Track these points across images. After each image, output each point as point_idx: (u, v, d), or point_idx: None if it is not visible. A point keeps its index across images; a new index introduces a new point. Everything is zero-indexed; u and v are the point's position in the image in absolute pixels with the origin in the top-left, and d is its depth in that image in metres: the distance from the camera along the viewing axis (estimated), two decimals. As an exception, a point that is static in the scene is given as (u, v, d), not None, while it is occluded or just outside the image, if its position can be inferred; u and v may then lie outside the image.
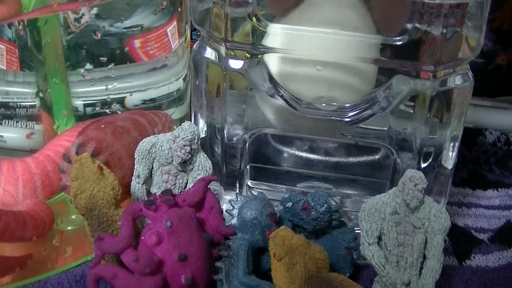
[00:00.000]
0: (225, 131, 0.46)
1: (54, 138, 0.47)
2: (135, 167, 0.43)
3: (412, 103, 0.42)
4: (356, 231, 0.42)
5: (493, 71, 0.71)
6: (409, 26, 0.39)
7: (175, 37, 0.52)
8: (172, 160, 0.43)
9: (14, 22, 0.45)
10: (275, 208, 0.43)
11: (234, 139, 0.46)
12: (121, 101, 0.51)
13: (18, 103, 0.49)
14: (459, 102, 0.42)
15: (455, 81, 0.41)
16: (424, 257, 0.39)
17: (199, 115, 0.47)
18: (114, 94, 0.50)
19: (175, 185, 0.43)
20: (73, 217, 0.47)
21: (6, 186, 0.43)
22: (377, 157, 0.47)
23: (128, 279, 0.35)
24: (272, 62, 0.43)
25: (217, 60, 0.44)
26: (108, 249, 0.36)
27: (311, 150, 0.47)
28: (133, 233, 0.37)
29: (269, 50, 0.42)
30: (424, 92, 0.41)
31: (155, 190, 0.43)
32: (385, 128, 0.44)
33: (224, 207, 0.43)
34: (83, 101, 0.50)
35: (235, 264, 0.39)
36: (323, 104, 0.42)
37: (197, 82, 0.46)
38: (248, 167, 0.47)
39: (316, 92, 0.42)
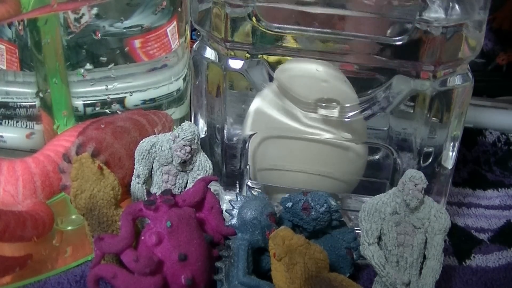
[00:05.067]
0: (225, 131, 0.46)
1: (54, 138, 0.47)
2: (135, 167, 0.43)
3: (412, 103, 0.42)
4: (356, 231, 0.42)
5: (493, 71, 0.71)
6: (409, 26, 0.39)
7: (175, 37, 0.52)
8: (172, 160, 0.43)
9: (14, 22, 0.45)
10: (275, 208, 0.43)
11: (234, 139, 0.46)
12: (121, 101, 0.51)
13: (18, 103, 0.49)
14: (459, 102, 0.42)
15: (455, 81, 0.41)
16: (424, 257, 0.39)
17: (199, 115, 0.47)
18: (114, 94, 0.50)
19: (175, 185, 0.43)
20: (73, 217, 0.47)
21: (6, 186, 0.43)
22: (377, 157, 0.47)
23: (128, 279, 0.35)
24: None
25: (217, 60, 0.44)
26: (108, 249, 0.36)
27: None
28: (133, 233, 0.37)
29: (269, 50, 0.42)
30: (424, 92, 0.41)
31: (155, 190, 0.43)
32: (385, 128, 0.44)
33: (224, 207, 0.43)
34: (83, 101, 0.49)
35: (235, 264, 0.39)
36: (323, 105, 0.42)
37: (197, 82, 0.46)
38: (248, 167, 0.47)
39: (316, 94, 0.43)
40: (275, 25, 0.41)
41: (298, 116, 0.44)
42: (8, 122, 0.50)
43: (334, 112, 0.43)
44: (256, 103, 0.44)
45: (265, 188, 0.47)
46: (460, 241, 0.48)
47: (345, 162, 0.45)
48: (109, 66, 0.49)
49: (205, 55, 0.44)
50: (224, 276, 0.39)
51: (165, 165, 0.43)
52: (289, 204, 0.42)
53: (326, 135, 0.43)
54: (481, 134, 0.59)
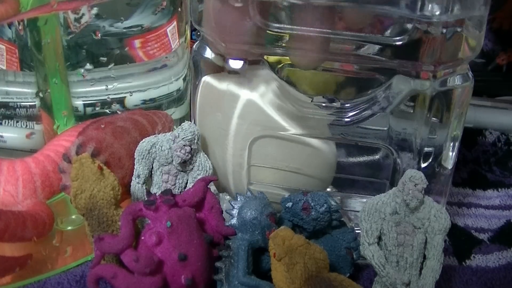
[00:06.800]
0: (225, 131, 0.46)
1: (54, 138, 0.47)
2: (135, 167, 0.43)
3: (412, 103, 0.42)
4: (356, 231, 0.42)
5: (493, 71, 0.71)
6: (409, 26, 0.39)
7: (175, 37, 0.52)
8: (172, 160, 0.43)
9: (14, 22, 0.45)
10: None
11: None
12: (121, 101, 0.51)
13: (18, 103, 0.49)
14: (459, 102, 0.42)
15: (455, 81, 0.41)
16: (424, 257, 0.39)
17: (199, 115, 0.47)
18: (114, 94, 0.50)
19: (175, 185, 0.43)
20: (73, 217, 0.47)
21: (6, 186, 0.43)
22: (377, 157, 0.46)
23: (128, 279, 0.35)
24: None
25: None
26: (108, 249, 0.36)
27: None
28: (133, 233, 0.37)
29: (269, 50, 0.42)
30: (424, 92, 0.41)
31: (155, 190, 0.43)
32: (385, 128, 0.44)
33: (224, 207, 0.43)
34: (83, 101, 0.50)
35: (235, 264, 0.39)
36: (323, 104, 0.42)
37: (197, 82, 0.46)
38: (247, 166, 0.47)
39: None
40: (275, 25, 0.41)
41: (291, 114, 0.43)
42: (8, 122, 0.50)
43: (335, 112, 0.43)
44: (250, 95, 0.43)
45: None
46: (460, 241, 0.48)
47: (313, 158, 0.45)
48: (109, 66, 0.49)
49: (205, 55, 0.44)
50: (224, 276, 0.39)
51: (165, 165, 0.43)
52: (289, 204, 0.42)
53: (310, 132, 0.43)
54: (481, 134, 0.59)
